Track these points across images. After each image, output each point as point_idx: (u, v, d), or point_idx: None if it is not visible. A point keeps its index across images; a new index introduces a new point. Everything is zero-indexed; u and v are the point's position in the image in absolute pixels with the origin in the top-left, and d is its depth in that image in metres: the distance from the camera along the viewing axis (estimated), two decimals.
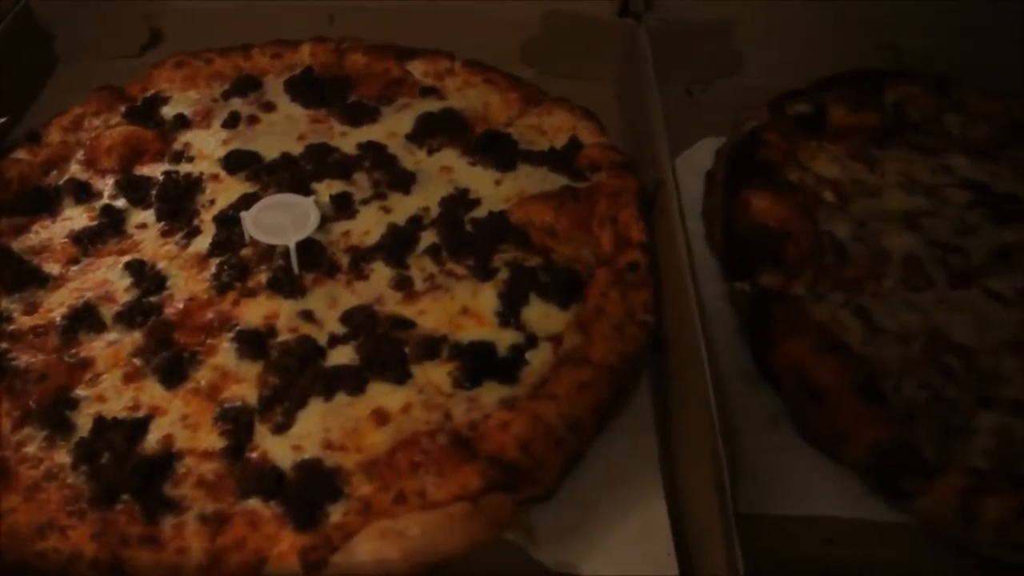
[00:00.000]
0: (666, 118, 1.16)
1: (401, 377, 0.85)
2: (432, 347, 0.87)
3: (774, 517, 0.82)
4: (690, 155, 1.12)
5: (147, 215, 1.00)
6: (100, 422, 0.81)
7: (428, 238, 0.97)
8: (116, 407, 0.83)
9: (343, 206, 1.00)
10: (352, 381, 0.85)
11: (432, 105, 1.11)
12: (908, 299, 0.95)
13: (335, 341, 0.88)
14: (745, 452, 0.85)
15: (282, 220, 0.94)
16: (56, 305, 0.91)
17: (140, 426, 0.81)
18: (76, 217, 1.01)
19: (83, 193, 1.03)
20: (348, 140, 1.08)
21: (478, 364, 0.86)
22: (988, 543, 0.78)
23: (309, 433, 0.81)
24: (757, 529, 0.80)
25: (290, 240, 0.92)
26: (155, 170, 1.05)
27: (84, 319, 0.89)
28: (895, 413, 0.85)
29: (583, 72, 1.19)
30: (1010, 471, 0.81)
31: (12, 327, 0.89)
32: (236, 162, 1.04)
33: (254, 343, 0.88)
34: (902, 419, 0.84)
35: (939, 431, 0.84)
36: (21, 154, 1.07)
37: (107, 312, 0.91)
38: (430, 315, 0.90)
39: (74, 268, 0.95)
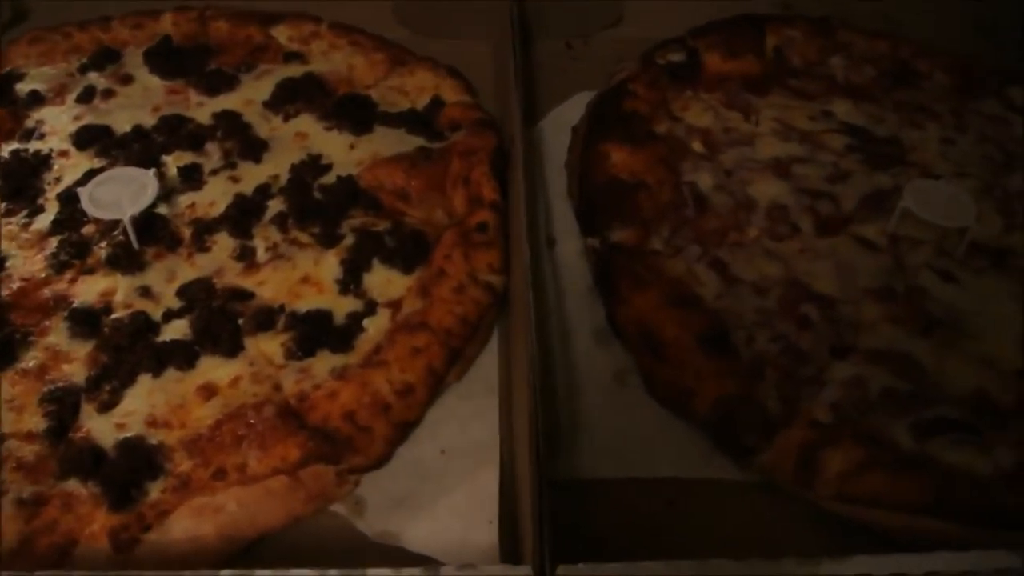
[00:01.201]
0: (544, 73, 1.14)
1: (232, 350, 0.82)
2: (268, 318, 0.85)
3: (613, 480, 0.79)
4: (563, 110, 1.09)
5: None
6: None
7: (276, 207, 0.94)
8: None
9: (190, 177, 0.97)
10: (183, 356, 0.82)
11: (295, 70, 1.08)
12: (770, 248, 0.92)
13: (170, 316, 0.86)
14: (588, 412, 0.83)
15: (120, 194, 0.91)
16: None
17: None
18: None
19: None
20: (204, 110, 1.04)
21: (312, 333, 0.83)
22: (828, 498, 0.75)
23: (134, 411, 0.79)
24: (595, 492, 0.78)
25: (125, 214, 0.89)
26: (4, 149, 1.01)
27: None
28: (744, 366, 0.81)
29: (460, 31, 1.15)
30: (860, 423, 0.78)
31: None
32: (87, 137, 1.01)
33: (87, 321, 0.85)
34: (751, 373, 0.81)
35: (788, 384, 0.81)
36: None
37: None
38: (270, 285, 0.88)
39: None
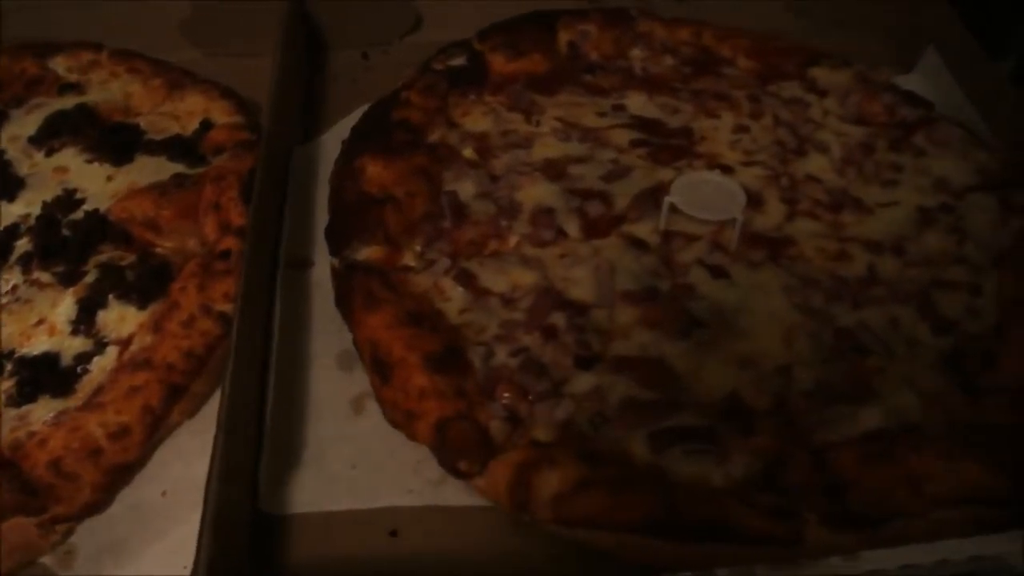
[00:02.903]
0: (335, 85, 1.10)
1: None
2: None
3: (336, 513, 0.75)
4: (347, 123, 1.05)
5: None
6: None
7: (23, 247, 0.91)
8: None
9: None
10: None
11: (68, 102, 1.05)
12: (530, 255, 0.88)
13: None
14: (320, 441, 0.79)
15: None
16: None
17: None
18: None
19: None
20: None
21: (33, 378, 0.80)
22: (547, 522, 0.71)
23: None
24: (315, 526, 0.75)
25: None
26: None
27: None
28: (477, 385, 0.77)
29: (247, 48, 1.11)
30: (591, 439, 0.74)
31: None
32: None
33: None
34: (483, 391, 0.77)
35: (521, 401, 0.77)
36: None
37: None
38: (3, 331, 0.85)
39: None
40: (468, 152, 0.96)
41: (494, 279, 0.85)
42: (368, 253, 0.86)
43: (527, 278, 0.86)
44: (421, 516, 0.75)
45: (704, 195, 0.90)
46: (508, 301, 0.84)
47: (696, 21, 1.11)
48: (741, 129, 1.01)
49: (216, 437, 0.70)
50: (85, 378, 0.81)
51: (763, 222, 0.92)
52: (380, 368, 0.79)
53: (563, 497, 0.70)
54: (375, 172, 0.91)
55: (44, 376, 0.80)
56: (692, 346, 0.81)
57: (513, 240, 0.89)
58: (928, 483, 0.71)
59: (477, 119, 1.01)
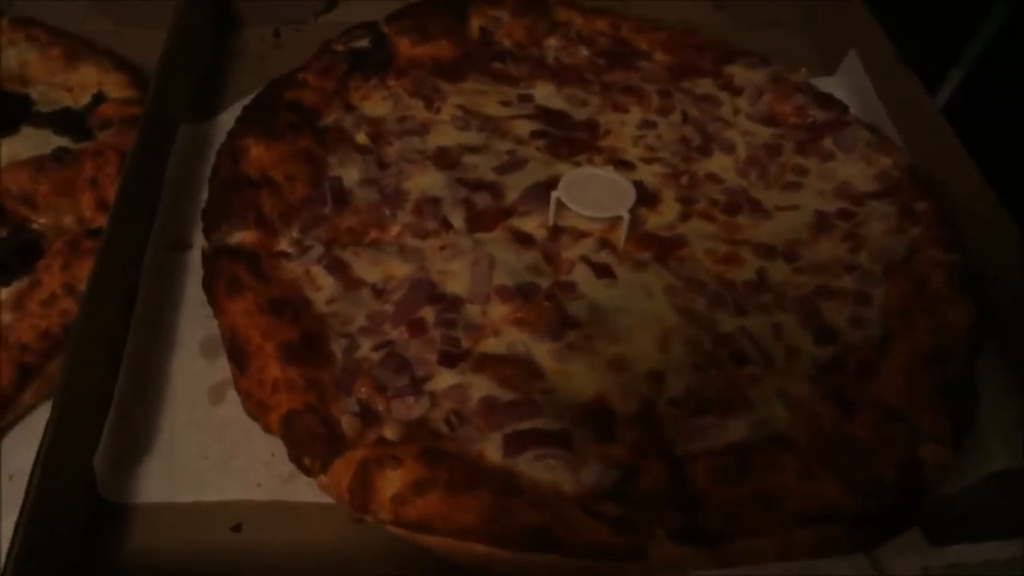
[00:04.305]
0: (240, 63, 1.07)
1: None
2: None
3: (180, 505, 0.73)
4: (246, 102, 1.01)
5: None
6: None
7: None
8: None
9: None
10: None
11: None
12: (409, 246, 0.86)
13: None
14: (171, 430, 0.77)
15: None
16: None
17: None
18: None
19: None
20: None
21: None
22: (386, 522, 0.68)
23: None
24: (157, 518, 0.72)
25: None
26: None
27: None
28: (335, 378, 0.75)
29: (161, 20, 1.08)
30: (442, 439, 0.72)
31: None
32: None
33: None
34: (340, 385, 0.75)
35: (377, 396, 0.74)
36: None
37: None
38: None
39: None
40: (361, 137, 0.93)
41: (368, 269, 0.83)
42: (241, 237, 0.83)
43: (403, 269, 0.83)
44: (267, 511, 0.73)
45: (594, 192, 0.87)
46: (380, 292, 0.81)
47: (616, 12, 1.08)
48: (647, 124, 0.98)
49: (48, 420, 0.67)
50: None
51: (656, 221, 0.89)
52: (237, 357, 0.76)
53: (401, 498, 0.67)
54: (257, 153, 0.88)
55: None
56: (563, 347, 0.78)
57: (395, 230, 0.87)
58: (784, 500, 0.68)
59: (376, 103, 0.98)
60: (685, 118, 0.98)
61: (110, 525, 0.72)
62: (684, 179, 0.92)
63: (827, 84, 1.06)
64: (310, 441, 0.71)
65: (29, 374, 0.77)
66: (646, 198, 0.90)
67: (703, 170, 0.94)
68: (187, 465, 0.75)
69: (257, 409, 0.74)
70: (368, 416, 0.73)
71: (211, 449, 0.76)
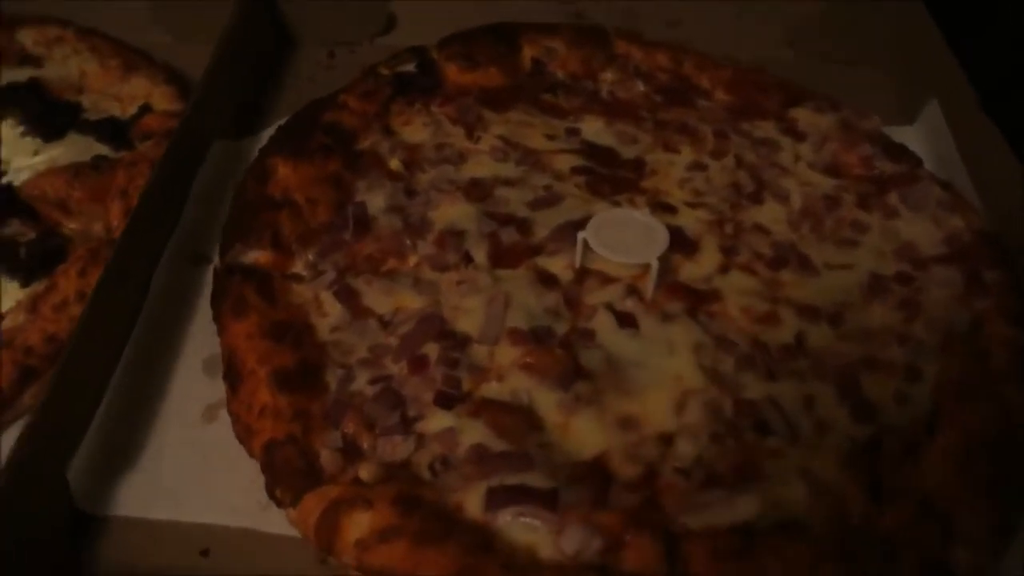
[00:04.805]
0: (293, 83, 1.07)
1: None
2: None
3: (155, 522, 0.71)
4: None
5: None
6: None
7: None
8: None
9: None
10: None
11: (23, 74, 1.04)
12: (425, 279, 0.82)
13: None
14: (159, 445, 0.75)
15: None
16: None
17: None
18: None
19: None
20: None
21: None
22: (349, 566, 0.64)
23: None
24: (131, 533, 0.71)
25: None
26: None
27: None
28: (325, 410, 0.72)
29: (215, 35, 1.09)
30: (422, 485, 0.67)
31: None
32: None
33: None
34: (329, 417, 0.71)
35: (365, 433, 0.71)
36: None
37: None
38: None
39: None
40: (394, 163, 0.91)
41: (378, 299, 0.80)
42: (255, 256, 0.81)
43: (415, 302, 0.79)
44: (237, 539, 0.70)
45: (626, 235, 0.82)
46: (386, 324, 0.78)
47: (678, 47, 1.02)
48: (697, 167, 0.92)
49: (25, 425, 0.66)
50: None
51: (691, 271, 0.83)
52: (231, 378, 0.74)
53: (365, 544, 0.63)
54: (284, 174, 0.87)
55: None
56: (570, 398, 0.73)
57: (413, 260, 0.83)
58: None
59: (417, 129, 0.95)
60: (739, 162, 0.92)
61: (85, 537, 0.70)
62: (729, 227, 0.86)
63: (904, 134, 0.98)
64: (286, 473, 0.68)
65: (31, 376, 0.77)
66: (684, 245, 0.84)
67: (751, 219, 0.87)
68: (167, 482, 0.73)
69: (244, 433, 0.72)
70: (351, 453, 0.70)
71: (194, 468, 0.74)
